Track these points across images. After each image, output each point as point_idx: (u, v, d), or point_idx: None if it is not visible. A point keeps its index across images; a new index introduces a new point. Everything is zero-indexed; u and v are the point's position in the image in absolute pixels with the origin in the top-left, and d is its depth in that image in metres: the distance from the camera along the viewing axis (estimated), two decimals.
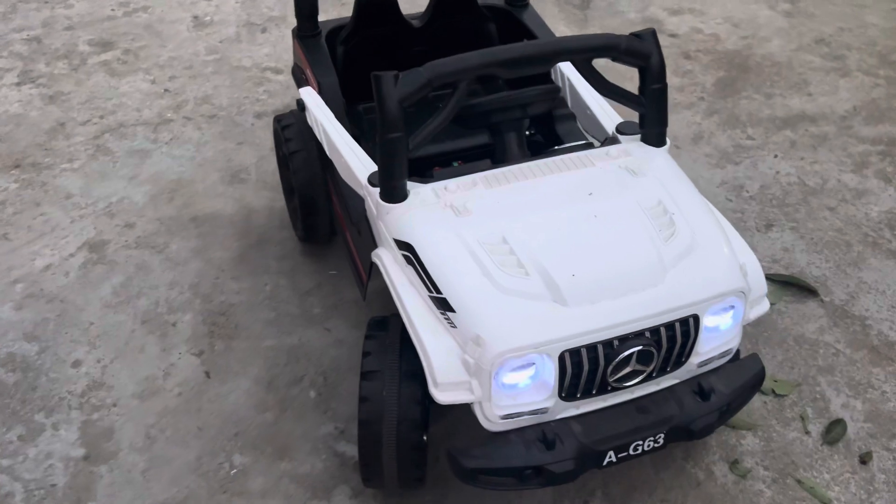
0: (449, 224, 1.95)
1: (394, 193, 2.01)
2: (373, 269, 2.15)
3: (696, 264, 1.90)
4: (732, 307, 1.94)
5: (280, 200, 3.21)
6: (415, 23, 2.87)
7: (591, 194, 2.02)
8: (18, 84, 3.84)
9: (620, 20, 4.43)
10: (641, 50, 2.05)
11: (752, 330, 2.76)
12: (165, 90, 3.82)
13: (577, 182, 2.06)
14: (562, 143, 2.53)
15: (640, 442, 1.89)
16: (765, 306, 2.06)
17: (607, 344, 1.80)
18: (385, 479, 2.07)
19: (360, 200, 2.23)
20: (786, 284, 2.93)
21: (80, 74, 3.90)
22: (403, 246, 1.96)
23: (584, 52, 2.04)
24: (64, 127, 3.59)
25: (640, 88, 2.12)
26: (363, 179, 2.15)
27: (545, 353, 1.77)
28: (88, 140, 3.52)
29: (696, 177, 3.39)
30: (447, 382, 1.82)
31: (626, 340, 1.81)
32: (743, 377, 2.02)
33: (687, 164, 3.45)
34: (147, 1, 4.46)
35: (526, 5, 3.00)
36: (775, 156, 3.53)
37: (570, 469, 1.84)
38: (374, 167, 2.14)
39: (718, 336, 1.96)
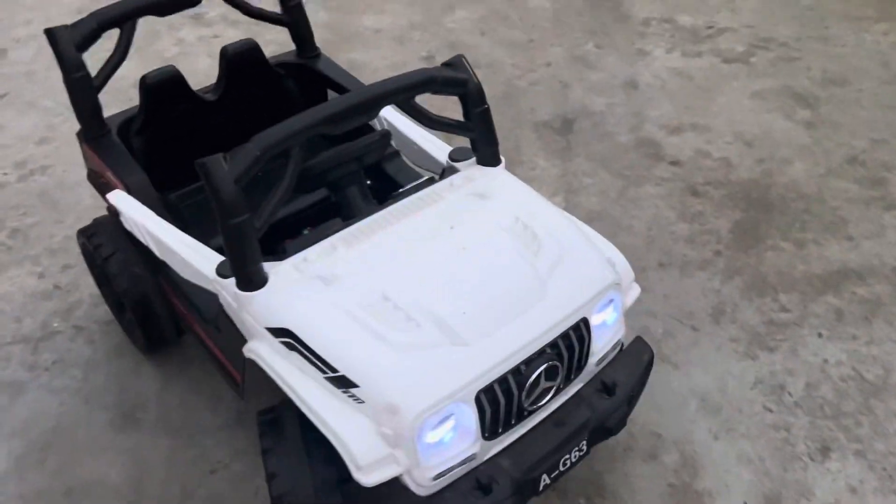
0: (322, 296, 1.87)
1: (252, 280, 1.89)
2: (246, 365, 1.98)
3: (569, 270, 1.97)
4: (612, 300, 2.02)
5: (181, 449, 2.50)
6: (208, 96, 2.75)
7: (452, 228, 2.03)
8: None
9: (610, 144, 3.72)
10: (457, 77, 2.09)
11: None
12: (55, 286, 3.10)
13: (433, 219, 2.06)
14: (397, 183, 2.49)
15: (568, 455, 1.94)
16: (636, 290, 2.14)
17: (515, 371, 1.83)
18: None
19: (211, 296, 2.08)
20: None
21: None
22: (280, 332, 1.85)
23: (405, 92, 2.03)
24: None
25: (465, 114, 2.16)
26: (210, 274, 2.01)
27: (461, 401, 1.76)
28: None
29: (722, 373, 2.66)
30: (370, 463, 1.73)
31: (531, 362, 1.84)
32: (637, 363, 2.10)
33: (710, 353, 2.71)
34: (48, 159, 3.76)
35: (318, 55, 2.93)
36: (819, 335, 2.79)
37: None
38: (217, 258, 2.04)
39: (607, 330, 2.04)
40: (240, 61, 2.74)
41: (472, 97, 2.13)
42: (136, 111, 2.65)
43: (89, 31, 2.46)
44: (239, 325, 2.00)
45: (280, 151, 1.88)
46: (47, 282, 3.13)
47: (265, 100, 2.80)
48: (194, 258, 2.11)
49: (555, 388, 1.92)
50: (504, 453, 1.89)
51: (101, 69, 2.55)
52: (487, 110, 2.17)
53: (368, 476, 1.73)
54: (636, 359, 2.12)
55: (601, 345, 2.02)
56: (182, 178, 2.59)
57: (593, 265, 2.02)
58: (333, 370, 1.78)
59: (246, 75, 2.77)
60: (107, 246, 2.57)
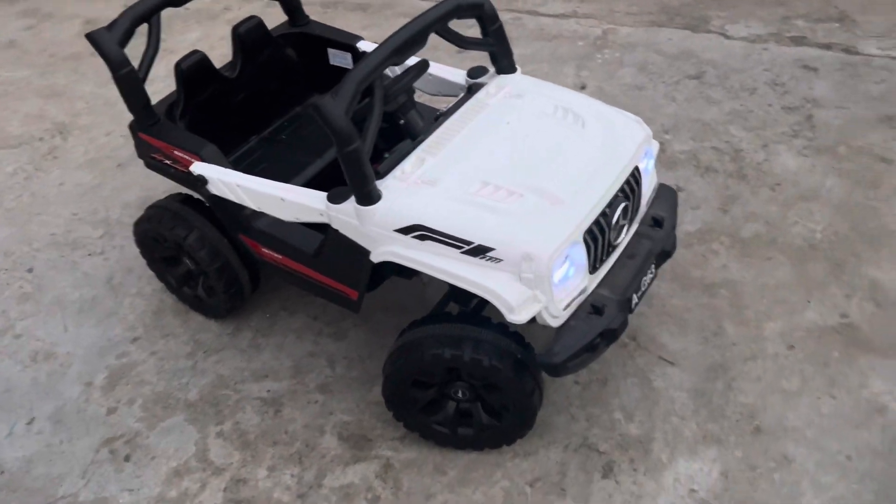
0: (434, 193, 2.31)
1: (371, 195, 2.31)
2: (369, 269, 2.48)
3: (614, 133, 2.52)
4: (646, 151, 2.57)
5: None
6: (228, 74, 3.11)
7: (508, 123, 2.53)
8: None
9: None
10: (475, 2, 2.56)
11: None
12: None
13: (490, 120, 2.54)
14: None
15: (645, 276, 2.48)
16: (657, 144, 2.67)
17: (603, 214, 2.34)
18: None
19: (308, 233, 2.65)
20: None
21: None
22: (410, 229, 2.29)
23: (442, 20, 2.47)
24: None
25: (483, 32, 2.66)
26: (322, 205, 2.43)
27: (575, 241, 2.26)
28: None
29: None
30: (520, 303, 2.20)
31: (612, 205, 2.37)
32: (669, 200, 2.70)
33: None
34: None
35: (309, 22, 3.33)
36: None
37: (623, 321, 2.37)
38: (318, 193, 2.46)
39: (648, 176, 2.61)
40: (250, 38, 3.12)
41: (489, 16, 2.61)
42: (175, 96, 2.97)
43: (126, 27, 2.68)
44: (360, 241, 2.40)
45: (368, 85, 2.27)
46: None
47: (273, 70, 3.23)
48: (301, 197, 2.50)
49: (626, 225, 2.47)
50: (601, 285, 2.41)
51: (141, 63, 2.76)
52: (501, 26, 2.66)
53: (520, 315, 2.20)
54: (667, 197, 2.69)
55: (646, 188, 2.59)
56: (223, 148, 2.89)
57: (631, 126, 2.57)
58: (469, 243, 2.23)
59: (256, 51, 3.15)
60: (182, 225, 2.90)
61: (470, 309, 2.60)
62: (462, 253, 2.23)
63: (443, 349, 2.38)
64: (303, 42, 3.31)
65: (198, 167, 2.73)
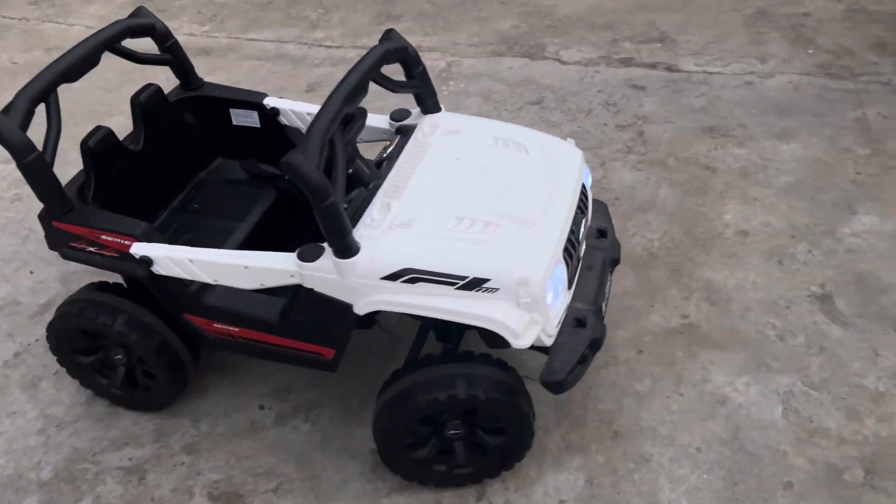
0: (413, 235, 2.32)
1: (352, 247, 2.27)
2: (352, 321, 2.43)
3: (556, 155, 2.65)
4: (585, 169, 2.71)
5: None
6: (133, 147, 2.96)
7: (458, 158, 2.58)
8: None
9: None
10: (399, 47, 2.59)
11: None
12: None
13: (439, 158, 2.58)
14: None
15: (606, 285, 2.65)
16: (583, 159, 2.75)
17: (571, 231, 2.46)
18: None
19: (267, 301, 2.58)
20: None
21: None
22: (399, 274, 2.27)
23: (376, 67, 2.50)
24: None
25: (408, 75, 2.71)
26: (292, 266, 2.35)
27: (558, 261, 2.35)
28: None
29: None
30: (522, 329, 2.24)
31: (575, 221, 2.50)
32: (603, 210, 2.92)
33: None
34: None
35: (203, 84, 3.20)
36: None
37: (603, 329, 2.49)
38: (287, 257, 2.37)
39: (589, 192, 2.73)
40: (150, 106, 3.00)
41: (413, 60, 2.66)
42: (84, 176, 2.79)
43: (25, 109, 2.47)
44: (340, 295, 2.34)
45: (332, 130, 2.25)
46: None
47: (176, 135, 3.14)
48: (266, 262, 2.41)
49: (584, 238, 2.61)
50: (575, 299, 2.51)
51: (45, 146, 2.53)
52: (425, 68, 2.72)
53: (524, 339, 2.24)
54: (601, 210, 2.93)
55: (589, 203, 2.73)
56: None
57: (566, 150, 2.69)
58: (463, 278, 2.24)
59: (156, 119, 3.03)
60: (118, 314, 2.71)
61: (453, 345, 2.63)
62: (457, 289, 2.25)
63: (465, 389, 2.37)
64: (201, 105, 3.18)
65: (140, 248, 2.53)
